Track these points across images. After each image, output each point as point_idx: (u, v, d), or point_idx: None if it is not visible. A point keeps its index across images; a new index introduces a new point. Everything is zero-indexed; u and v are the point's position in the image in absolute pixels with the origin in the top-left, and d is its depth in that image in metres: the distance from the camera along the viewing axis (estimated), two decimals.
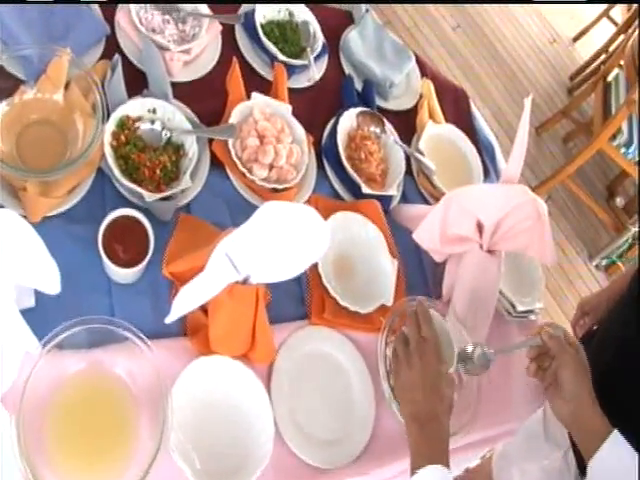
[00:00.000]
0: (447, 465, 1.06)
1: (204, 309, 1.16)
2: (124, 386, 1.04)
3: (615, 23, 4.17)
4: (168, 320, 1.06)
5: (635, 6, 3.73)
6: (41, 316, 1.03)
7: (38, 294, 1.04)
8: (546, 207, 1.37)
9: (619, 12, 4.09)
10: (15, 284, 0.95)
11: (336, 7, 1.89)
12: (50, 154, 1.17)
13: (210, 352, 1.16)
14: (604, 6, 4.28)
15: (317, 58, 1.67)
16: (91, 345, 1.03)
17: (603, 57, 4.03)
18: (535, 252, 1.44)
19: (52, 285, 0.97)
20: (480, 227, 1.42)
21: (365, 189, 1.51)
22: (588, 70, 4.17)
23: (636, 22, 3.51)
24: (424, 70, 1.92)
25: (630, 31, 3.50)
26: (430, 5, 3.96)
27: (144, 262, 1.13)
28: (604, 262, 3.56)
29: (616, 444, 1.09)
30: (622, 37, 3.72)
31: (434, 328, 1.21)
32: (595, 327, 1.58)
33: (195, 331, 1.18)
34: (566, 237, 3.61)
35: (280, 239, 1.03)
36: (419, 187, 1.68)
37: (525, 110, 1.36)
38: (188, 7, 1.48)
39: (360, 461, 1.24)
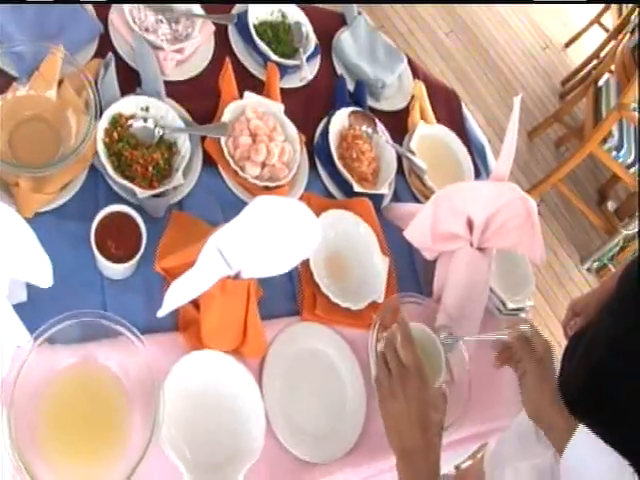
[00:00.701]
0: None
1: (196, 304, 1.17)
2: (116, 380, 1.04)
3: (606, 29, 4.20)
4: (160, 314, 1.06)
5: (625, 13, 3.76)
6: (33, 311, 1.03)
7: (30, 289, 1.05)
8: (535, 205, 1.38)
9: (610, 19, 4.12)
10: (7, 277, 0.95)
11: (329, 9, 1.90)
12: (43, 150, 1.17)
13: (202, 347, 1.16)
14: (595, 12, 4.31)
15: (309, 59, 1.68)
16: (83, 339, 1.04)
17: (594, 62, 4.06)
18: (525, 250, 1.45)
19: (44, 278, 0.97)
20: (470, 224, 1.43)
21: (357, 187, 1.52)
22: (579, 75, 4.20)
23: (627, 28, 3.55)
24: (416, 71, 1.93)
25: (620, 37, 3.53)
26: (423, 10, 3.99)
27: (136, 258, 1.14)
28: (595, 265, 3.58)
29: (578, 446, 1.10)
30: (613, 43, 3.75)
31: (415, 351, 1.14)
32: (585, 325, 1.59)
33: (187, 326, 1.18)
34: (558, 240, 3.63)
35: (271, 234, 1.03)
36: (410, 186, 1.70)
37: (514, 109, 1.37)
38: (181, 7, 1.49)
39: (351, 455, 1.25)
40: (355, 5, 1.88)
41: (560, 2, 4.52)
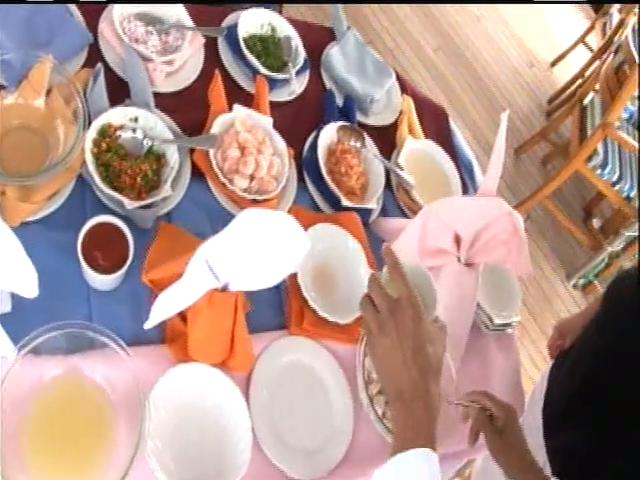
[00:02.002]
0: (433, 446, 0.92)
1: (183, 316, 1.16)
2: (102, 392, 1.03)
3: (591, 49, 4.25)
4: (147, 326, 1.05)
5: (609, 33, 3.81)
6: (18, 322, 1.02)
7: (15, 300, 1.04)
8: (522, 220, 1.39)
9: (594, 39, 4.17)
10: None
11: (318, 24, 1.91)
12: (30, 159, 1.16)
13: (189, 359, 1.15)
14: (580, 32, 4.37)
15: (299, 73, 1.68)
16: (68, 351, 1.03)
17: (579, 81, 4.10)
18: (512, 265, 1.46)
19: (29, 288, 0.96)
20: (458, 240, 1.43)
21: (345, 202, 1.52)
22: (565, 94, 4.24)
23: (610, 48, 3.59)
24: (404, 87, 1.94)
25: (604, 57, 3.57)
26: (411, 26, 4.02)
27: (123, 269, 1.13)
28: (581, 281, 3.59)
29: None
30: (597, 63, 3.79)
31: (405, 280, 1.00)
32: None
33: (174, 338, 1.17)
34: (544, 256, 3.64)
35: (259, 246, 1.03)
36: (398, 201, 1.70)
37: (502, 125, 1.38)
38: (171, 19, 1.49)
39: (338, 471, 1.24)
40: (344, 20, 1.88)
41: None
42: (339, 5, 1.90)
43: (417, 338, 0.97)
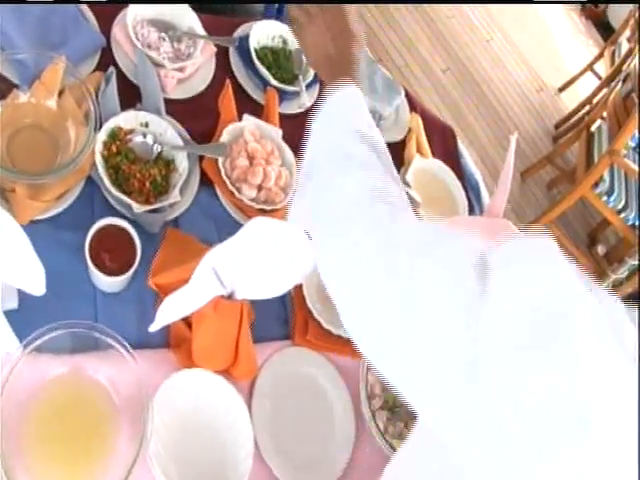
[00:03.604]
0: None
1: (187, 322, 1.15)
2: (105, 393, 1.02)
3: (599, 77, 4.27)
4: (152, 328, 1.05)
5: (617, 61, 3.83)
6: (23, 320, 1.01)
7: (21, 297, 1.03)
8: None
9: (602, 67, 4.20)
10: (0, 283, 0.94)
11: None
12: (41, 159, 1.16)
13: (193, 365, 1.14)
14: (589, 60, 4.39)
15: (309, 86, 1.68)
16: (73, 350, 1.02)
17: (587, 108, 4.11)
18: None
19: (37, 286, 0.95)
20: None
21: None
22: (573, 120, 4.25)
23: (619, 76, 3.61)
24: (413, 105, 1.94)
25: (612, 85, 3.59)
26: (421, 45, 4.05)
27: (130, 271, 1.12)
28: None
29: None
30: (605, 90, 3.81)
31: None
32: None
33: (178, 343, 1.17)
34: None
35: (266, 256, 1.03)
36: None
37: (511, 147, 1.38)
38: (184, 27, 1.50)
39: None
40: None
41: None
42: None
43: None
